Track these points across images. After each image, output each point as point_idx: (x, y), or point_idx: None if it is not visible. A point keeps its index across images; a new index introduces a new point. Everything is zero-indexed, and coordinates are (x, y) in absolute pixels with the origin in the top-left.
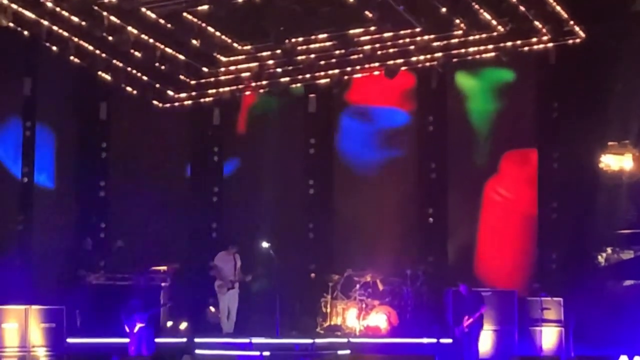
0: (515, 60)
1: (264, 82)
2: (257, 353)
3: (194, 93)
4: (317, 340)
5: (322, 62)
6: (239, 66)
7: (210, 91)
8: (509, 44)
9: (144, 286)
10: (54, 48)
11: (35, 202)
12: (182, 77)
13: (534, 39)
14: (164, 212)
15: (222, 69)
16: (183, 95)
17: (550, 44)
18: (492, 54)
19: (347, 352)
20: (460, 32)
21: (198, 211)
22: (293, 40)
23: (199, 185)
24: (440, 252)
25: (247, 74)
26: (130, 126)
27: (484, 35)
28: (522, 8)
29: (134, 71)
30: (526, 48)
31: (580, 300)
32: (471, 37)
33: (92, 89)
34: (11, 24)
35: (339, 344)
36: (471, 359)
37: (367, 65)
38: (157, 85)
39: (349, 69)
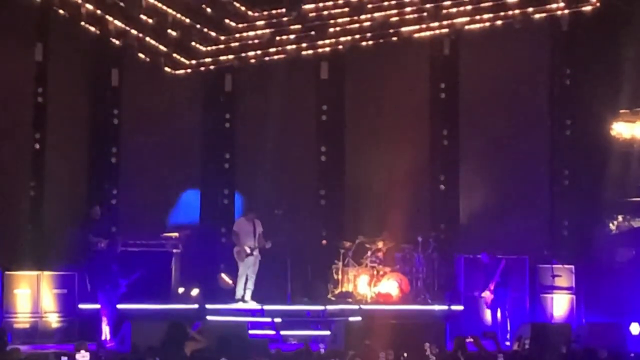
0: (528, 27)
1: (276, 49)
2: (269, 319)
3: (205, 59)
4: (329, 307)
5: (334, 29)
6: (251, 32)
7: (222, 58)
8: (522, 10)
9: (119, 252)
10: (66, 14)
11: (47, 168)
12: (194, 43)
13: (547, 6)
14: (175, 178)
15: (234, 35)
16: (195, 61)
17: (563, 11)
18: (505, 20)
19: (358, 318)
20: None
21: (210, 177)
22: (305, 6)
23: (210, 152)
24: (452, 219)
25: (259, 40)
26: (142, 92)
27: (496, 2)
28: None
29: (146, 37)
30: (539, 15)
31: (592, 268)
32: (483, 4)
33: (104, 55)
34: None
35: (350, 310)
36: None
37: (379, 32)
38: (169, 52)
39: (360, 35)
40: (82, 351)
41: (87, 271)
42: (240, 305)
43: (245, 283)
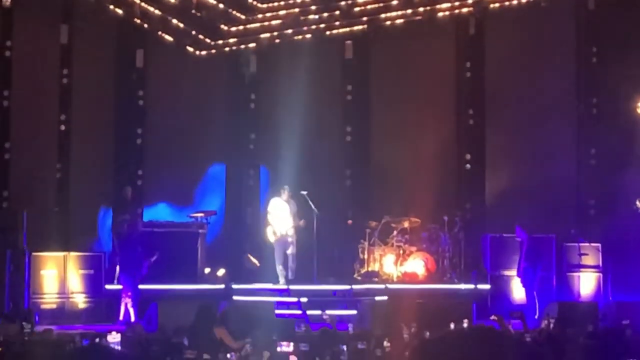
0: (555, 5)
1: (301, 29)
2: (295, 299)
3: (230, 40)
4: (355, 286)
5: (359, 8)
6: (276, 13)
7: (246, 38)
8: None
9: (140, 233)
10: None
11: (73, 149)
12: (218, 24)
13: None
14: (200, 159)
15: (259, 16)
16: (219, 42)
17: None
18: None
19: (385, 298)
20: None
21: (235, 158)
22: None
23: (235, 132)
24: (478, 198)
25: (284, 20)
26: (167, 74)
27: None
28: None
29: (171, 18)
30: None
31: (619, 246)
32: None
33: (129, 36)
34: None
35: (376, 290)
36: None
37: (404, 11)
38: (194, 33)
39: (385, 14)
40: (114, 332)
41: (114, 252)
42: (264, 285)
43: (284, 263)
